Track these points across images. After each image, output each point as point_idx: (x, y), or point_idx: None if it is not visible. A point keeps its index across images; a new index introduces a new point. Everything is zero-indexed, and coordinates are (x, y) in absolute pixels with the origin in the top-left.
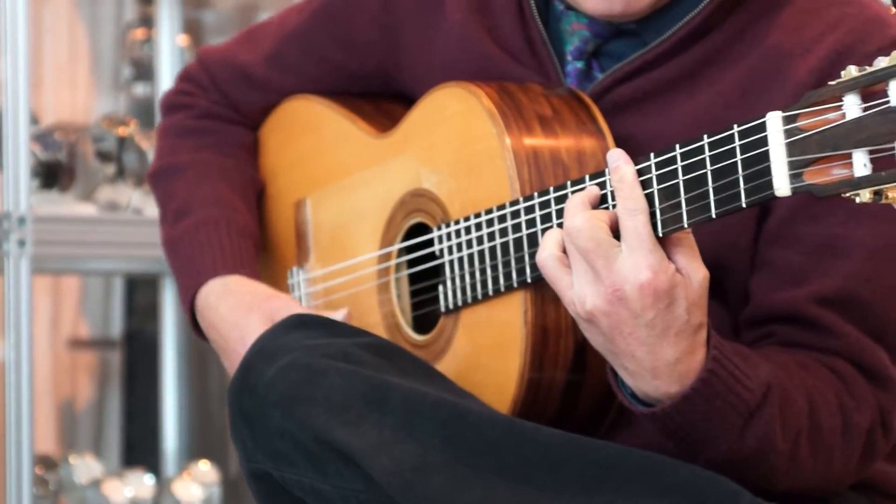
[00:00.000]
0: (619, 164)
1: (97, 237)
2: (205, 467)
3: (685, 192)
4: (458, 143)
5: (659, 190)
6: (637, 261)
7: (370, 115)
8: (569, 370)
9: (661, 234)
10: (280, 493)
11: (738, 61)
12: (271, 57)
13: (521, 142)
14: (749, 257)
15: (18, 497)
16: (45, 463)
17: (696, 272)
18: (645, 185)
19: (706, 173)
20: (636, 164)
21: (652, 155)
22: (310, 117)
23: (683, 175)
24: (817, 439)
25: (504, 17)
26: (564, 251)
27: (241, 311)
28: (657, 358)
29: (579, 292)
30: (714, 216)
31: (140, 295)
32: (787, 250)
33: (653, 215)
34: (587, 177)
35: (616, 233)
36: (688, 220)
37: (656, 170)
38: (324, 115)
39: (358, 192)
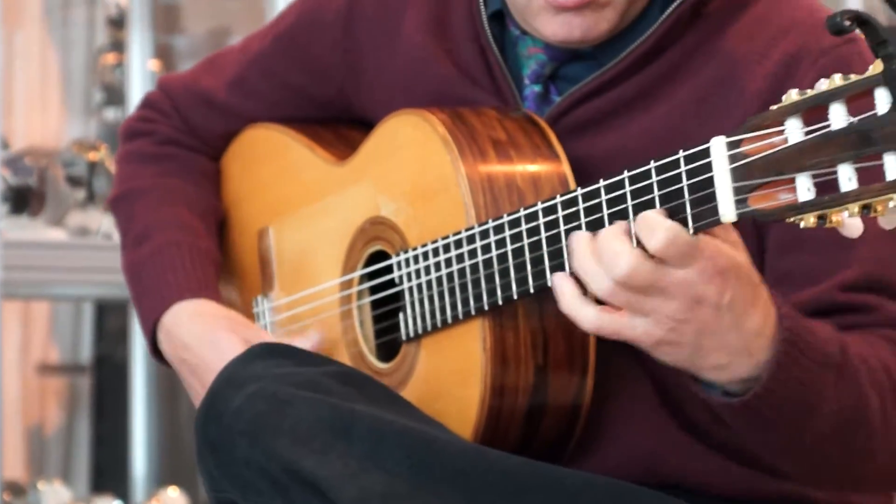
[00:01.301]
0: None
1: (67, 262)
2: (174, 493)
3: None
4: (413, 171)
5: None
6: (690, 266)
7: (329, 142)
8: (530, 396)
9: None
10: None
11: (695, 74)
12: (233, 82)
13: (476, 168)
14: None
15: None
16: (13, 489)
17: (731, 239)
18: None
19: (654, 198)
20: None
21: (652, 164)
22: (270, 145)
23: (632, 200)
24: None
25: (462, 41)
26: (597, 300)
27: (219, 330)
28: (747, 335)
29: (650, 322)
30: None
31: (110, 320)
32: (797, 255)
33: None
34: (540, 203)
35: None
36: None
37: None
38: (284, 143)
39: (319, 220)
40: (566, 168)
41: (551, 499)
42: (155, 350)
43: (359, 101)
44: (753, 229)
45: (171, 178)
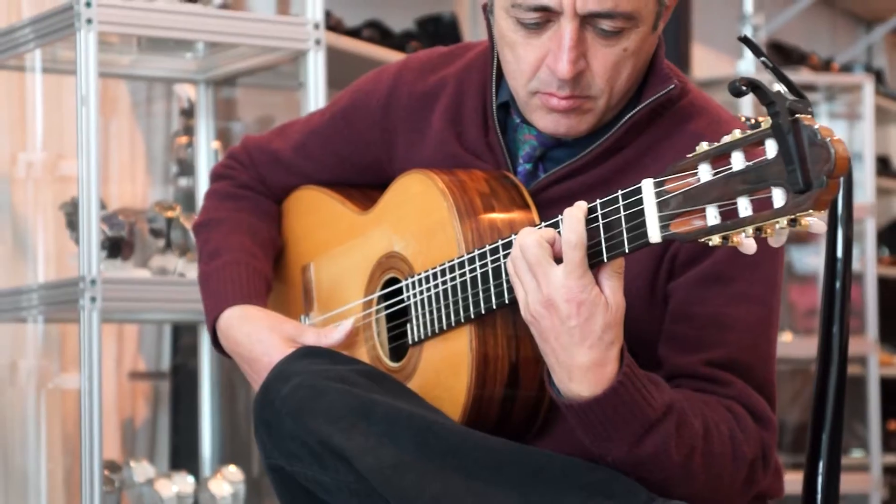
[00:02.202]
0: (573, 208)
1: (151, 295)
2: (233, 469)
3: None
4: (419, 216)
5: (593, 230)
6: (569, 279)
7: (356, 198)
8: (505, 386)
9: (605, 260)
10: (291, 482)
11: (644, 171)
12: (296, 146)
13: (466, 214)
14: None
15: (91, 493)
16: (111, 466)
17: (616, 301)
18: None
19: (598, 226)
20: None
21: (599, 202)
22: (312, 202)
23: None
24: (709, 459)
25: (471, 127)
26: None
27: (263, 331)
28: (573, 361)
29: (527, 299)
30: (606, 259)
31: (184, 338)
32: (684, 326)
33: (597, 243)
34: (513, 235)
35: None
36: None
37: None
38: (322, 201)
39: (347, 257)
40: (535, 215)
41: (523, 470)
42: (215, 343)
43: (391, 169)
44: (663, 296)
45: (243, 213)
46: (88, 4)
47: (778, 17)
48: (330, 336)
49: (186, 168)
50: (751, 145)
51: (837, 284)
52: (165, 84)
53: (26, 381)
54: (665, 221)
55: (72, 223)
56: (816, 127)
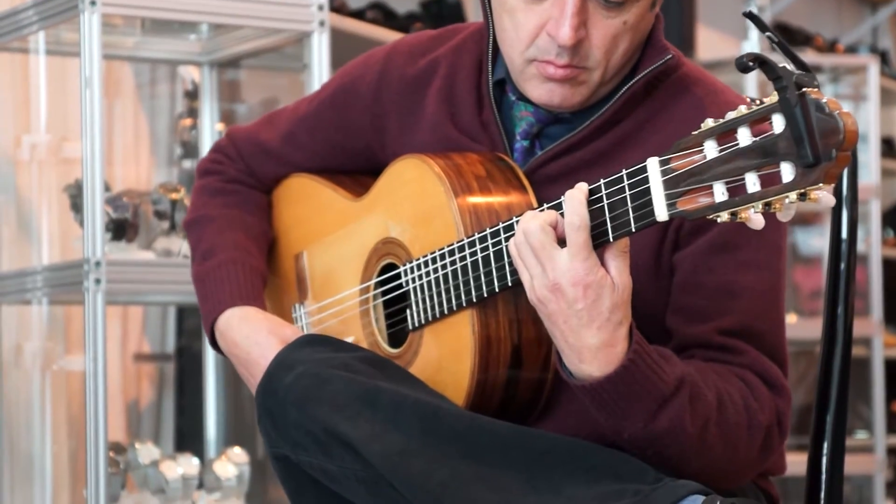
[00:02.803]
0: (575, 189)
1: (155, 276)
2: (238, 451)
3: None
4: (415, 201)
5: (598, 209)
6: (574, 263)
7: (348, 184)
8: (508, 368)
9: (611, 240)
10: (296, 471)
11: (643, 144)
12: (285, 136)
13: (463, 197)
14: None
15: (96, 474)
16: (116, 448)
17: (622, 281)
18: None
19: (603, 208)
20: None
21: (602, 181)
22: (304, 190)
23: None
24: (725, 429)
25: (465, 107)
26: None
27: (261, 333)
28: (582, 343)
29: (531, 281)
30: (612, 239)
31: (189, 320)
32: (693, 297)
33: (603, 223)
34: (514, 218)
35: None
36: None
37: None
38: (314, 188)
39: (342, 244)
40: (532, 197)
41: (528, 454)
42: (213, 343)
43: (382, 154)
44: (669, 268)
45: (233, 209)
46: None
47: None
48: None
49: (190, 150)
50: (757, 120)
51: (842, 266)
52: (169, 66)
53: (31, 364)
54: (672, 199)
55: (76, 205)
56: (824, 100)
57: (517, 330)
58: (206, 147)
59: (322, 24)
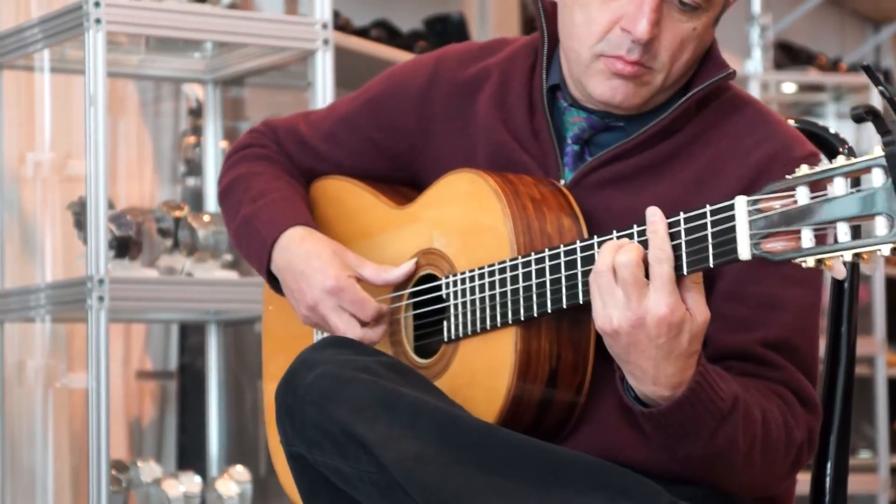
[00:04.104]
0: (656, 219)
1: (158, 294)
2: (240, 469)
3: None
4: (467, 214)
5: (674, 244)
6: (659, 299)
7: (388, 193)
8: (542, 390)
9: (685, 273)
10: (311, 471)
11: (695, 158)
12: (327, 135)
13: (518, 216)
14: None
15: (98, 492)
16: (118, 466)
17: (700, 313)
18: (673, 237)
19: (680, 243)
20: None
21: (682, 215)
22: (339, 192)
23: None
24: (767, 446)
25: (517, 112)
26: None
27: (326, 251)
28: (660, 372)
29: (609, 312)
30: (686, 272)
31: (191, 338)
32: (736, 306)
33: (678, 257)
34: (596, 239)
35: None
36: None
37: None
38: (351, 191)
39: (379, 249)
40: (583, 224)
41: (544, 468)
42: (266, 270)
43: (425, 157)
44: (709, 277)
45: (280, 170)
46: (97, 4)
47: (786, 17)
48: (389, 272)
49: (194, 168)
50: (855, 172)
51: (846, 284)
52: (174, 84)
53: (34, 381)
54: (756, 240)
55: (79, 223)
56: None
57: (556, 354)
58: (209, 165)
59: (326, 42)
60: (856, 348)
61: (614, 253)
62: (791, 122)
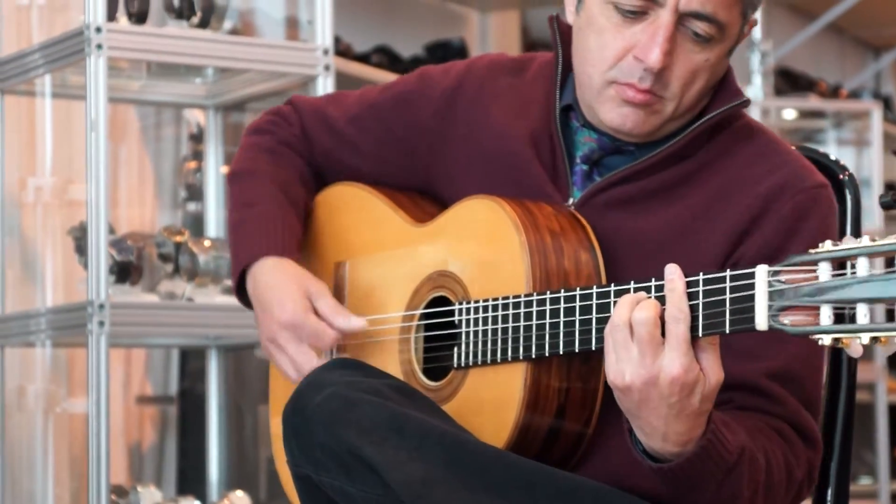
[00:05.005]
0: (674, 277)
1: (159, 319)
2: (240, 494)
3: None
4: (484, 242)
5: (692, 304)
6: (673, 359)
7: (408, 207)
8: (549, 426)
9: (699, 335)
10: (317, 492)
11: (704, 184)
12: (353, 117)
13: (536, 249)
14: None
15: None
16: (118, 491)
17: (714, 375)
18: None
19: (697, 304)
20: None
21: (701, 276)
22: (355, 199)
23: (703, 298)
24: (769, 489)
25: (534, 126)
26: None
27: (287, 284)
28: (669, 429)
29: (622, 367)
30: (700, 334)
31: (191, 363)
32: (743, 336)
33: (695, 318)
34: (613, 288)
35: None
36: (701, 332)
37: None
38: (370, 201)
39: (392, 264)
40: (600, 259)
41: (551, 493)
42: (239, 290)
43: (442, 159)
44: None
45: (279, 169)
46: (98, 30)
47: (786, 43)
48: (344, 320)
49: (195, 193)
50: (879, 254)
51: None
52: (175, 109)
53: (34, 406)
54: (774, 311)
55: (80, 248)
56: None
57: (566, 389)
58: (210, 190)
59: (327, 67)
60: (856, 374)
61: (632, 308)
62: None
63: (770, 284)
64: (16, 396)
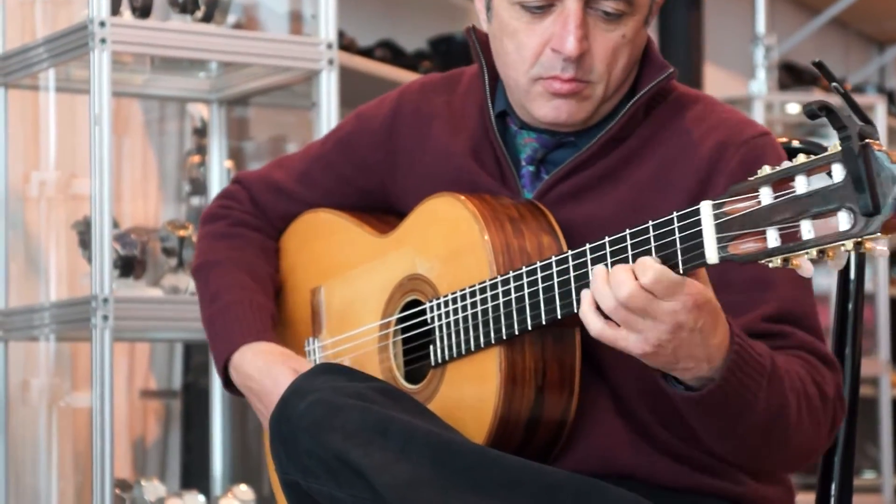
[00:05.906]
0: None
1: (163, 313)
2: (244, 488)
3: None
4: (447, 238)
5: (644, 250)
6: (675, 295)
7: (372, 222)
8: (530, 410)
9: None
10: (306, 498)
11: (648, 160)
12: (300, 175)
13: (497, 236)
14: None
15: None
16: (122, 485)
17: (704, 278)
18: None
19: (650, 249)
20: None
21: (651, 223)
22: (323, 225)
23: (632, 251)
24: (808, 402)
25: (473, 137)
26: (602, 313)
27: (275, 364)
28: (710, 348)
29: (641, 338)
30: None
31: (195, 357)
32: (726, 294)
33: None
34: (570, 253)
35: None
36: None
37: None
38: (335, 223)
39: (364, 279)
40: (562, 241)
41: (538, 489)
42: (226, 384)
43: (395, 189)
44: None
45: (238, 251)
46: (102, 24)
47: (790, 37)
48: None
49: (199, 187)
50: (815, 168)
51: (850, 305)
52: (178, 103)
53: (38, 400)
54: (723, 243)
55: (84, 242)
56: (886, 152)
57: (542, 371)
58: (214, 184)
59: (331, 62)
60: (860, 369)
61: (613, 292)
62: (795, 142)
63: (716, 217)
64: (20, 390)
